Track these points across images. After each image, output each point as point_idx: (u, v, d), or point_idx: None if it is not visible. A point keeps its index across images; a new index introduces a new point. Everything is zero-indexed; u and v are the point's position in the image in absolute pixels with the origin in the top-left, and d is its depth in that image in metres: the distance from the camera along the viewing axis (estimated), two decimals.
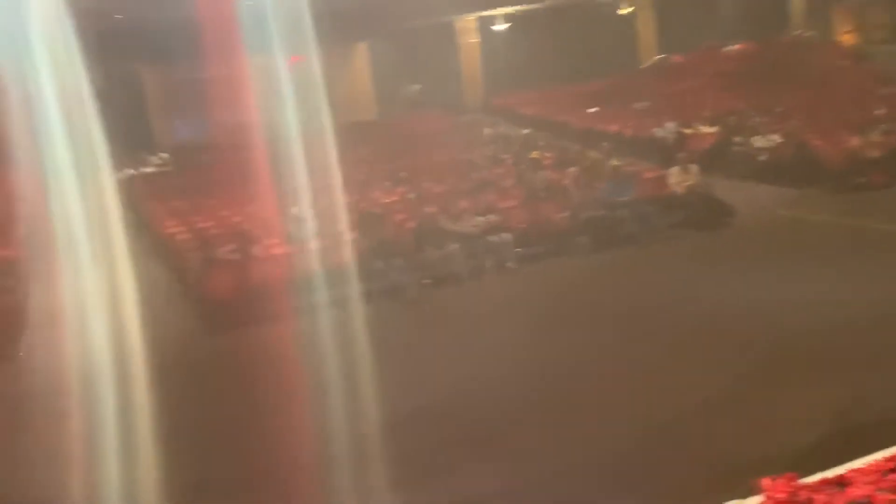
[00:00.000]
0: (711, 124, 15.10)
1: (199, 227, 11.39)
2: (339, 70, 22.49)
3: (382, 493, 4.55)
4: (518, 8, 23.18)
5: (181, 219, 12.30)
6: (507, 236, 9.82)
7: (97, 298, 8.43)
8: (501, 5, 23.07)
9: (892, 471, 2.90)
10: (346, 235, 10.17)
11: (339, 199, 12.00)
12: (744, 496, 3.13)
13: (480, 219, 10.11)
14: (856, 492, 2.80)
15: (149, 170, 16.71)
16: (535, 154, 14.47)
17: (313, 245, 9.66)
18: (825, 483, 2.86)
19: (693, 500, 3.94)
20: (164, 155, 17.39)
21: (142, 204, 14.20)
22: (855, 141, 11.67)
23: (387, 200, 12.15)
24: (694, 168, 11.10)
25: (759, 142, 13.08)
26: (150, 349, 7.74)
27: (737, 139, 13.59)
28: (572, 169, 12.01)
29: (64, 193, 9.13)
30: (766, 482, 2.94)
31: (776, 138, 12.98)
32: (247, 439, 5.45)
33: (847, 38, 25.08)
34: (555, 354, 6.46)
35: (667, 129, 15.13)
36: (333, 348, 7.03)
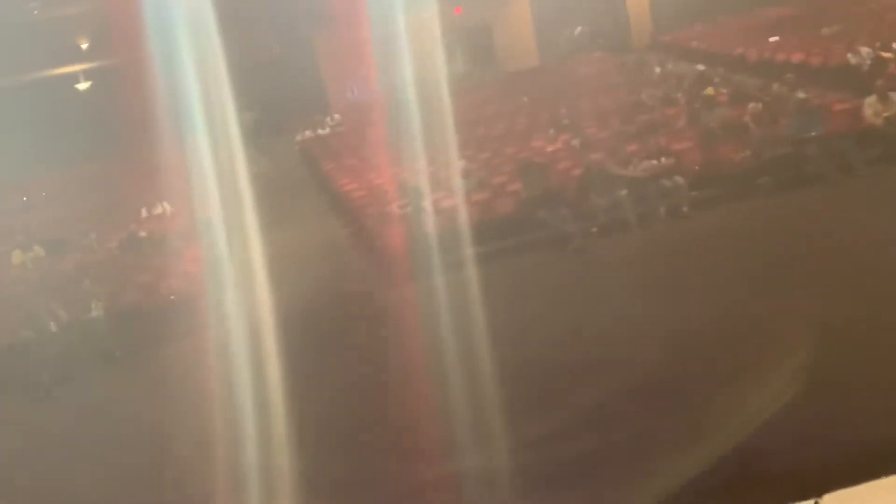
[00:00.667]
0: None
1: (373, 183, 11.92)
2: (500, 18, 22.29)
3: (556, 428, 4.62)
4: None
5: (355, 176, 12.93)
6: (680, 179, 9.36)
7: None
8: None
9: None
10: (510, 186, 10.21)
11: (501, 149, 12.06)
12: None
13: (651, 162, 9.72)
14: None
15: (324, 131, 17.64)
16: (709, 91, 13.58)
17: (479, 197, 9.81)
18: None
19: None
20: (338, 116, 18.26)
21: (319, 163, 15.08)
22: None
23: (550, 149, 12.01)
24: (893, 97, 9.92)
25: None
26: (331, 302, 8.32)
27: None
28: (752, 105, 11.15)
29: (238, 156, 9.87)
30: None
31: None
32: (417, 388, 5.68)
33: None
34: (736, 305, 6.15)
35: (862, 55, 13.57)
36: (502, 299, 7.17)
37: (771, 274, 6.69)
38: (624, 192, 9.22)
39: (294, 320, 7.46)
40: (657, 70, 17.00)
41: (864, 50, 13.84)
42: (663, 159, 9.74)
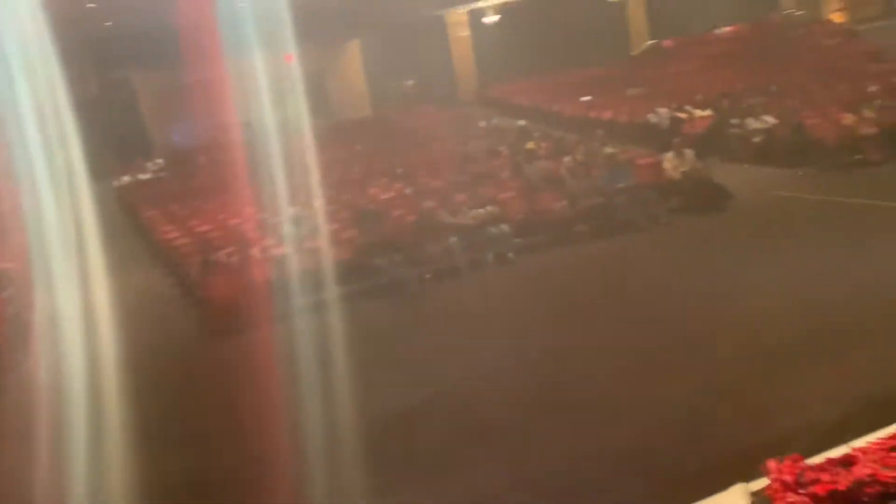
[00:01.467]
0: (705, 108, 15.09)
1: (197, 231, 11.40)
2: (332, 67, 22.49)
3: (382, 491, 4.57)
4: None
5: (179, 224, 12.32)
6: (505, 227, 9.82)
7: (94, 304, 8.47)
8: None
9: (894, 448, 2.92)
10: (345, 233, 10.19)
11: (337, 197, 12.04)
12: (750, 479, 3.16)
13: (479, 211, 10.13)
14: (861, 470, 2.82)
15: (145, 176, 16.71)
16: (530, 144, 14.46)
17: (312, 244, 9.68)
18: (830, 463, 2.88)
19: (701, 485, 3.95)
20: (160, 161, 17.39)
21: (140, 210, 14.22)
22: (849, 118, 11.67)
23: (384, 196, 12.16)
24: (689, 153, 11.10)
25: (753, 123, 13.07)
26: (151, 354, 7.80)
27: (731, 121, 13.59)
28: (568, 158, 12.00)
29: (47, 204, 9.16)
30: (772, 464, 2.96)
31: (770, 119, 12.98)
32: (244, 439, 5.46)
33: (837, 16, 25.06)
34: (557, 344, 6.48)
35: (661, 115, 15.12)
36: (336, 347, 7.06)
37: (585, 312, 7.15)
38: (455, 239, 9.52)
39: (112, 374, 6.94)
40: (483, 124, 17.89)
41: (663, 111, 15.44)
42: (490, 208, 10.19)
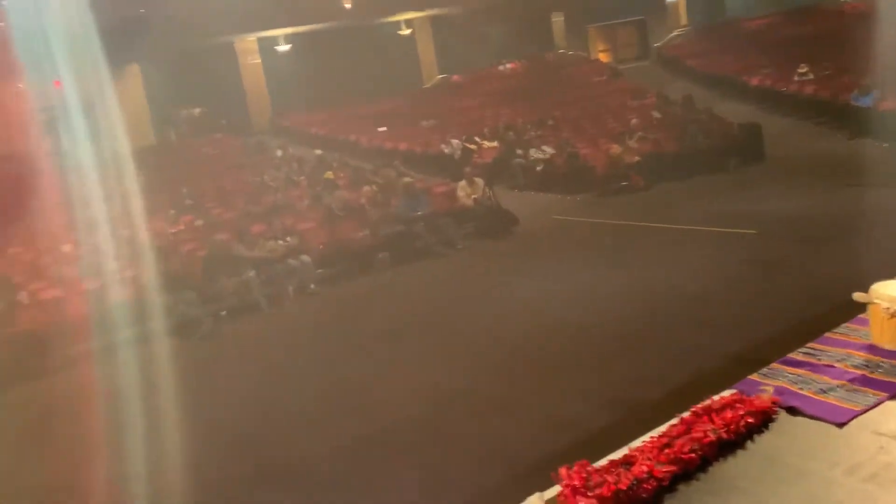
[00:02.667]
0: (492, 139, 16.02)
1: None
2: (109, 94, 20.92)
3: None
4: (300, 28, 23.06)
5: None
6: (306, 258, 9.65)
7: None
8: (281, 26, 22.82)
9: (666, 445, 3.24)
10: (127, 271, 9.43)
11: (116, 232, 11.13)
12: (543, 488, 3.33)
13: (278, 242, 9.86)
14: (639, 468, 3.09)
15: None
16: (329, 174, 14.42)
17: (90, 284, 8.84)
18: (613, 464, 3.12)
19: (496, 500, 4.09)
20: None
21: None
22: (615, 148, 12.97)
23: (172, 230, 11.46)
24: (480, 181, 11.68)
25: (535, 153, 14.08)
26: None
27: (516, 151, 14.53)
28: (367, 187, 12.11)
29: None
30: (562, 471, 3.14)
31: (549, 149, 14.06)
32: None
33: (602, 55, 27.93)
34: (358, 372, 6.46)
35: (453, 145, 15.80)
36: (124, 395, 6.48)
37: (386, 341, 7.21)
38: (252, 272, 9.17)
39: None
40: (279, 153, 17.56)
41: (455, 141, 16.16)
42: (289, 239, 9.97)
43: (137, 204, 13.94)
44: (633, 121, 14.43)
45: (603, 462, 3.17)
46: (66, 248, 9.48)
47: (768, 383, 3.91)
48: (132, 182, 15.36)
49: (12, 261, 10.41)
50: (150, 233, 11.61)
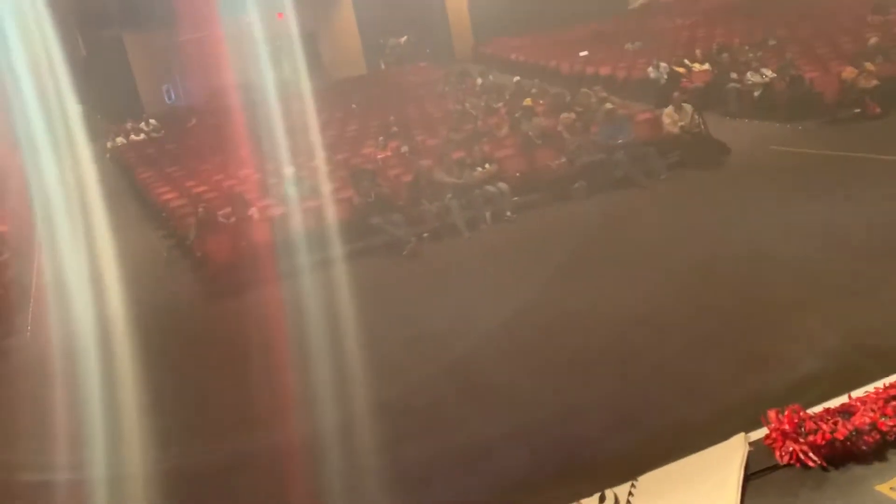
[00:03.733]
0: (703, 62, 14.91)
1: (194, 192, 11.34)
2: (325, 25, 22.11)
3: (388, 448, 4.62)
4: None
5: (175, 185, 12.24)
6: (503, 186, 9.77)
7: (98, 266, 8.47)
8: None
9: (893, 398, 2.96)
10: (341, 193, 10.14)
11: (332, 156, 11.95)
12: (750, 429, 3.20)
13: (477, 169, 10.06)
14: (860, 419, 2.86)
15: (139, 137, 16.54)
16: (527, 101, 14.31)
17: (309, 204, 9.64)
18: (829, 413, 2.92)
19: (702, 434, 4.01)
20: (154, 122, 17.20)
21: (135, 171, 14.11)
22: (849, 71, 11.55)
23: (380, 155, 12.07)
24: (688, 107, 11.00)
25: (752, 77, 12.92)
26: (151, 315, 7.83)
27: (731, 75, 13.43)
28: (565, 114, 11.89)
29: (45, 165, 9.08)
30: (771, 414, 2.99)
31: (769, 73, 12.83)
32: (252, 402, 5.52)
33: None
34: (557, 300, 6.49)
35: (659, 69, 14.94)
36: (335, 307, 7.08)
37: (586, 270, 7.15)
38: (452, 197, 9.47)
39: (118, 337, 6.99)
40: (479, 81, 17.66)
41: (662, 65, 15.25)
42: (487, 166, 10.12)
43: (351, 130, 14.87)
44: (872, 40, 12.71)
45: (818, 409, 2.97)
46: (289, 170, 10.35)
47: None
48: (345, 110, 16.33)
49: (244, 180, 11.59)
50: (362, 158, 12.36)
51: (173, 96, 20.11)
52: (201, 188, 11.51)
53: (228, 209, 9.84)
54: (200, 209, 9.45)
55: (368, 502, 4.27)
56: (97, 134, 16.61)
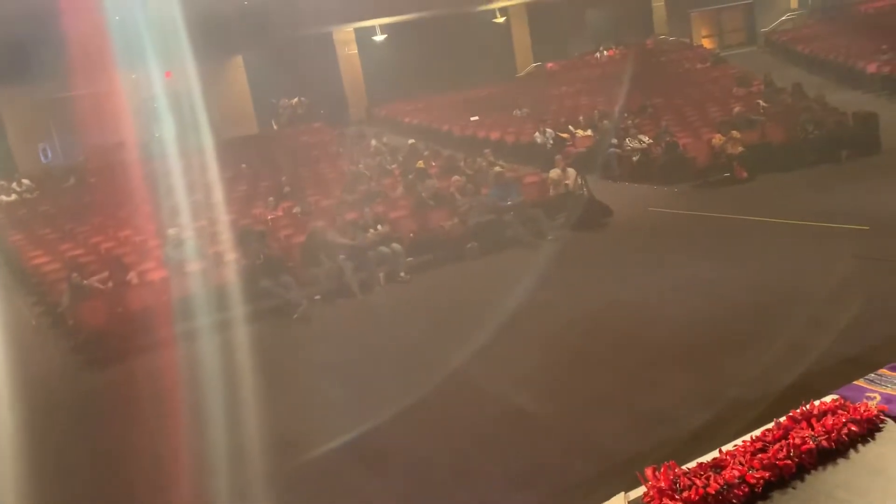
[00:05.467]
0: (586, 128, 15.70)
1: (68, 255, 10.70)
2: (215, 84, 21.84)
3: None
4: (396, 18, 23.31)
5: (48, 248, 11.53)
6: (397, 246, 9.78)
7: None
8: (378, 16, 23.13)
9: (759, 450, 3.07)
10: (229, 254, 9.83)
11: (220, 217, 11.62)
12: (628, 488, 3.24)
13: (370, 230, 10.04)
14: (730, 473, 2.95)
15: (10, 198, 15.56)
16: (420, 163, 14.54)
17: (194, 267, 9.28)
18: (702, 467, 2.99)
19: (580, 496, 4.05)
20: (26, 181, 16.24)
21: (4, 234, 13.21)
22: (717, 138, 12.45)
23: (270, 216, 11.86)
24: (572, 171, 11.48)
25: (631, 143, 13.71)
26: (22, 388, 7.23)
27: (612, 141, 14.19)
28: (457, 177, 12.14)
29: None
30: (648, 472, 3.04)
31: (646, 139, 13.65)
32: (135, 475, 5.16)
33: (705, 41, 26.82)
34: (449, 360, 6.47)
35: (546, 135, 15.59)
36: (221, 374, 6.77)
37: (477, 330, 7.19)
38: (345, 259, 9.37)
39: None
40: (373, 142, 17.85)
41: (548, 131, 15.95)
42: (381, 227, 10.13)
43: (240, 190, 14.54)
44: (737, 109, 13.81)
45: (692, 464, 3.04)
46: (172, 231, 9.97)
47: (875, 390, 3.65)
48: (235, 170, 16.03)
49: (124, 242, 11.06)
50: (252, 219, 12.09)
51: (49, 155, 19.13)
52: (77, 251, 10.88)
53: (105, 273, 9.31)
54: (74, 274, 8.89)
55: None
56: None
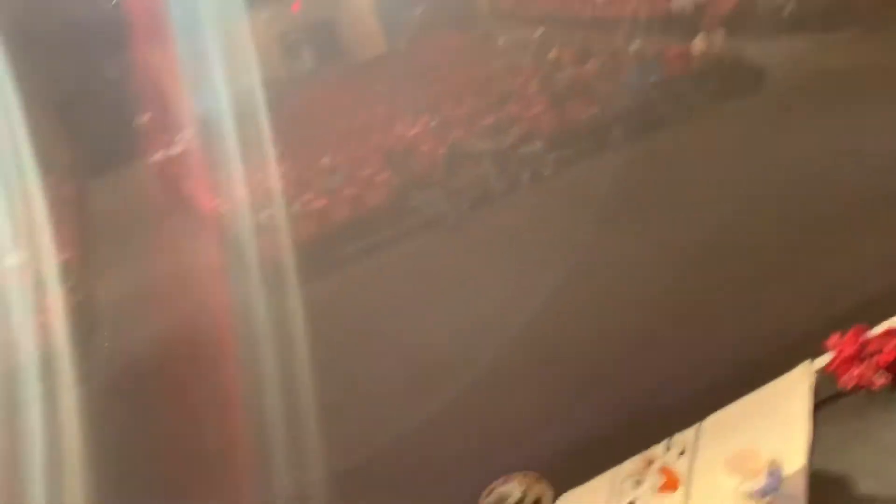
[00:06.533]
0: None
1: (238, 195, 11.50)
2: (341, 8, 22.01)
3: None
4: None
5: (218, 191, 12.42)
6: (538, 144, 9.65)
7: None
8: None
9: None
10: (380, 176, 10.15)
11: (366, 141, 11.98)
12: (814, 357, 3.12)
13: (509, 131, 9.95)
14: None
15: (176, 150, 16.84)
16: (553, 53, 14.03)
17: (349, 192, 9.71)
18: (891, 332, 2.83)
19: (767, 366, 3.94)
20: (188, 132, 17.46)
21: (178, 184, 14.39)
22: None
23: (412, 133, 12.03)
24: (718, 35, 10.64)
25: None
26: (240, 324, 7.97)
27: None
28: (592, 61, 11.62)
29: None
30: (833, 339, 2.93)
31: None
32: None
33: None
34: (613, 249, 6.42)
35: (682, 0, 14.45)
36: (389, 289, 7.15)
37: (638, 217, 7.03)
38: (487, 164, 9.41)
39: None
40: (502, 40, 17.37)
41: None
42: (520, 127, 10.00)
43: (379, 111, 14.84)
44: None
45: (879, 329, 2.89)
46: (325, 160, 10.42)
47: None
48: (371, 92, 16.29)
49: (282, 177, 11.70)
50: (394, 138, 12.33)
51: (203, 104, 20.32)
52: (243, 191, 11.65)
53: (271, 208, 9.96)
54: None
55: None
56: (128, 155, 16.94)
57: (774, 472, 2.78)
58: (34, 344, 8.43)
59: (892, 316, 3.08)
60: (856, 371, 2.71)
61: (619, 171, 9.11)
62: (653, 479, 3.44)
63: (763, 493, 2.78)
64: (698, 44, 10.83)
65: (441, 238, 8.66)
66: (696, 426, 3.08)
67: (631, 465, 3.48)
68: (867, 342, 2.85)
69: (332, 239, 8.87)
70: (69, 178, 9.31)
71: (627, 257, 6.21)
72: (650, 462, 3.43)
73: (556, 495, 3.96)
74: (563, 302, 5.82)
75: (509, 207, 9.00)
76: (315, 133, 11.18)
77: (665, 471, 3.33)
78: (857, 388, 2.73)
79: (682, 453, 3.06)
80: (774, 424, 2.91)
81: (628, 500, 3.47)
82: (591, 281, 6.01)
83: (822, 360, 3.08)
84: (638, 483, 3.58)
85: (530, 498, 3.83)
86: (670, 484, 3.28)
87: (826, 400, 2.80)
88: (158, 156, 16.86)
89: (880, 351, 2.77)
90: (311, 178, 11.04)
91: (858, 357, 2.79)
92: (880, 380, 2.66)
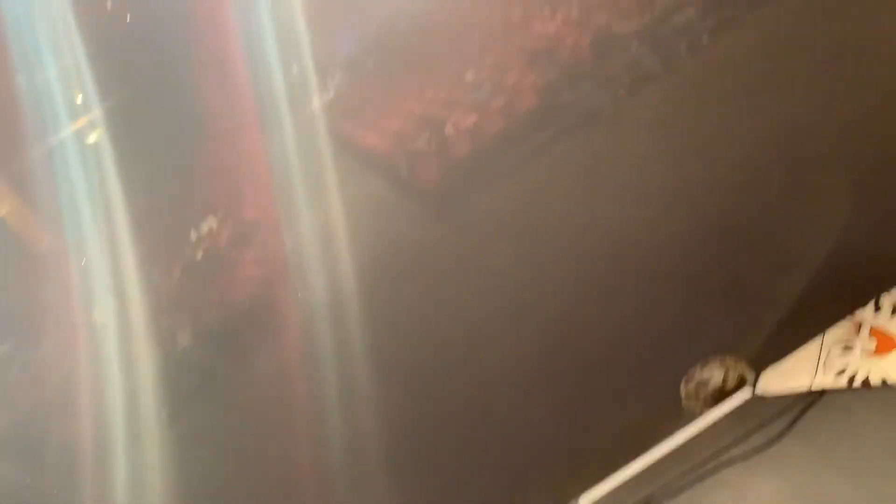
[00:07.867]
0: None
1: (392, 129, 11.78)
2: None
3: None
4: None
5: (372, 129, 12.79)
6: (690, 11, 8.93)
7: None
8: None
9: None
10: (526, 80, 9.92)
11: (506, 47, 11.70)
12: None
13: (655, 4, 9.29)
14: None
15: (328, 95, 17.46)
16: None
17: (498, 103, 9.61)
18: None
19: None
20: (337, 75, 18.02)
21: (338, 126, 14.96)
22: None
23: (553, 29, 11.59)
24: None
25: None
26: (381, 249, 8.33)
27: None
28: None
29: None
30: None
31: None
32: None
33: None
34: (787, 119, 5.91)
35: None
36: (555, 193, 7.09)
37: (811, 76, 6.38)
38: (638, 43, 8.88)
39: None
40: None
41: None
42: None
43: (515, 13, 14.41)
44: None
45: None
46: (469, 76, 10.34)
47: None
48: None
49: (431, 101, 11.80)
50: (535, 38, 11.91)
51: (343, 48, 20.80)
52: (396, 124, 11.92)
53: (427, 134, 10.14)
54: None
55: None
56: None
57: None
58: None
59: None
60: None
61: (781, 28, 8.23)
62: (864, 343, 3.24)
63: None
64: None
65: (601, 131, 8.39)
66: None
67: (837, 331, 3.30)
68: None
69: (489, 153, 8.88)
70: None
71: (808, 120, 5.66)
72: (859, 326, 3.23)
73: (758, 372, 3.85)
74: (747, 175, 5.45)
75: (668, 87, 8.48)
76: (454, 51, 11.08)
77: (876, 332, 3.11)
78: None
79: (894, 312, 2.84)
80: None
81: (838, 370, 3.30)
82: (777, 148, 5.56)
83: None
84: (847, 349, 3.38)
85: (732, 379, 3.75)
86: (884, 345, 3.07)
87: None
88: (320, 99, 17.62)
89: None
90: (459, 96, 11.01)
91: None
92: None
